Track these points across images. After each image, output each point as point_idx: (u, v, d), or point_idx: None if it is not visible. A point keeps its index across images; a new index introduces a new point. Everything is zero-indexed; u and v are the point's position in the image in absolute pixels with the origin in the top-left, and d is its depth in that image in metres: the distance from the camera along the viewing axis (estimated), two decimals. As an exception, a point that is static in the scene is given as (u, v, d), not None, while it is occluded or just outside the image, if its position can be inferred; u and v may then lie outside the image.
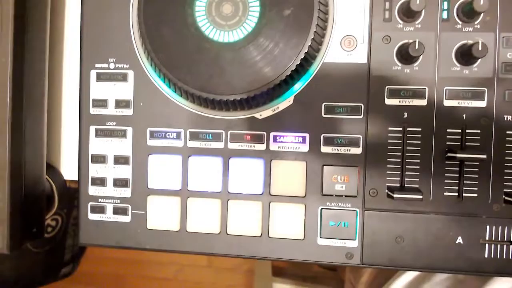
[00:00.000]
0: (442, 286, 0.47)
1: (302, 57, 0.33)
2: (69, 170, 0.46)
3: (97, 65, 0.38)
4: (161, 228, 0.38)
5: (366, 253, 0.36)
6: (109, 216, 0.39)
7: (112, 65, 0.38)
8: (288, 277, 1.18)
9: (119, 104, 0.38)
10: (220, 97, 0.34)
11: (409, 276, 0.51)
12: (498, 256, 0.34)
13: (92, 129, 0.39)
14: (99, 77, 0.38)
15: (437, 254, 0.35)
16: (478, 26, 0.34)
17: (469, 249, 0.34)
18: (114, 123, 0.38)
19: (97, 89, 0.39)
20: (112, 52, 0.38)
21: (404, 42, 0.35)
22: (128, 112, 0.38)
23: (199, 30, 0.34)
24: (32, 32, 0.39)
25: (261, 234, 0.37)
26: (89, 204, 0.39)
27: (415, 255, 0.35)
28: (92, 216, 0.39)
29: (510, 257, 0.34)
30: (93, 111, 0.39)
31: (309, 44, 0.33)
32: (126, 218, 0.39)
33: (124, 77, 0.38)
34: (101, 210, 0.39)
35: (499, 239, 0.34)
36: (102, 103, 0.39)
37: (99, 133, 0.39)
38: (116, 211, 0.39)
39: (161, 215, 0.38)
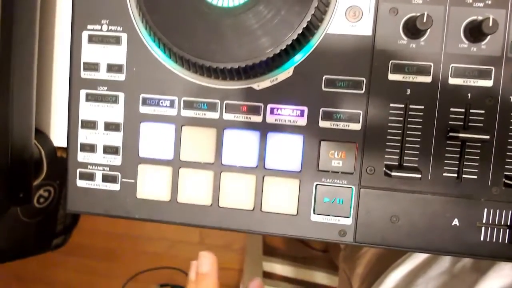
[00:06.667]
0: (437, 280, 0.47)
1: (305, 26, 0.32)
2: (59, 136, 0.45)
3: (89, 26, 0.37)
4: (151, 198, 0.37)
5: (359, 231, 0.35)
6: (98, 183, 0.38)
7: (105, 27, 0.36)
8: (279, 257, 1.18)
9: (111, 68, 0.37)
10: (217, 65, 0.33)
11: (405, 269, 0.50)
12: (494, 240, 0.33)
13: (83, 93, 0.37)
14: (91, 39, 0.37)
15: (432, 235, 0.34)
16: (489, 2, 0.33)
17: (465, 231, 0.34)
18: (106, 88, 0.37)
19: (89, 52, 0.37)
20: (105, 13, 0.36)
21: (411, 15, 0.33)
22: (121, 77, 0.37)
23: (198, -8, 0.33)
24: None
25: (254, 208, 0.36)
26: (78, 170, 0.38)
27: (410, 236, 0.34)
28: (81, 183, 0.38)
29: (506, 241, 0.33)
30: (84, 74, 0.37)
31: (312, 12, 0.32)
32: (115, 186, 0.37)
33: (117, 40, 0.36)
34: (90, 177, 0.38)
35: (496, 223, 0.33)
36: (93, 67, 0.37)
37: (90, 98, 0.37)
38: (105, 178, 0.37)
39: (152, 185, 0.37)
